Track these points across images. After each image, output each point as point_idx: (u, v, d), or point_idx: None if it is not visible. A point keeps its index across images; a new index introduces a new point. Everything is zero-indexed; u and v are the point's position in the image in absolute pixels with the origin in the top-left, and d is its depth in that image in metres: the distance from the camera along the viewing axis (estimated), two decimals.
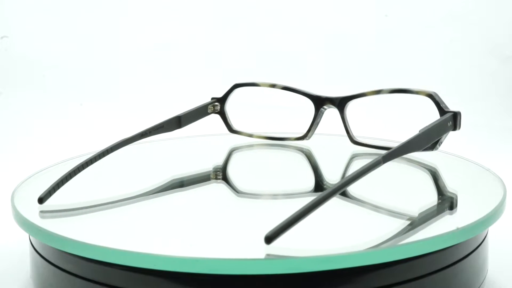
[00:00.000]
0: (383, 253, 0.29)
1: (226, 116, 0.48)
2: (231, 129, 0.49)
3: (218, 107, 0.48)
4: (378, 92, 0.42)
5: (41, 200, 0.36)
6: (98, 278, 0.31)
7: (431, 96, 0.39)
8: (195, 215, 0.35)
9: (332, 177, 0.41)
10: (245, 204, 0.38)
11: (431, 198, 0.38)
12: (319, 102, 0.44)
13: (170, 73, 0.86)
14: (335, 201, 0.38)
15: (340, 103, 0.43)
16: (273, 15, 0.89)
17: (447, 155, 0.43)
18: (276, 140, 0.48)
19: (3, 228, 0.46)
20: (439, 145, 0.39)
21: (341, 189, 0.31)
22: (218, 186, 0.41)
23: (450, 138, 0.40)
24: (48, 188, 0.36)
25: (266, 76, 0.82)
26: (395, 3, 0.88)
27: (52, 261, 0.33)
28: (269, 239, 0.29)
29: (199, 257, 0.29)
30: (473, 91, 0.82)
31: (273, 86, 0.47)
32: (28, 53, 0.87)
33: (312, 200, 0.30)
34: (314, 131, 0.46)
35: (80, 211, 0.36)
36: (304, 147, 0.47)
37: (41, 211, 0.35)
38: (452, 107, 0.39)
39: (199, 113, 0.47)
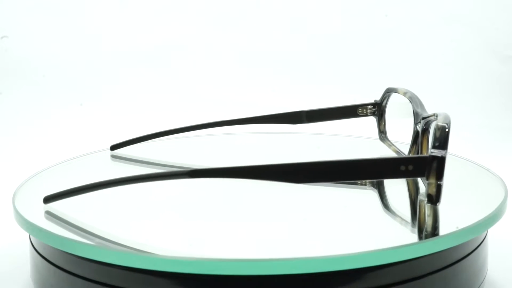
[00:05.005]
0: (383, 254, 0.29)
1: (381, 120, 0.46)
2: (380, 135, 0.46)
3: (372, 110, 0.46)
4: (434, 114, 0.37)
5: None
6: (98, 278, 0.31)
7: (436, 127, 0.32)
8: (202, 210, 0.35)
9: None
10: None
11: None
12: (416, 118, 0.38)
13: (170, 73, 0.86)
14: (336, 203, 0.38)
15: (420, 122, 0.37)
16: (272, 15, 0.89)
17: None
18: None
19: (3, 228, 0.46)
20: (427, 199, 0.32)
21: (125, 182, 0.34)
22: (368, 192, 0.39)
23: (451, 138, 0.35)
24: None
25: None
26: (395, 3, 0.88)
27: (52, 261, 0.33)
28: (46, 199, 0.35)
29: (198, 257, 0.29)
30: (473, 91, 0.82)
31: (405, 94, 0.42)
32: (28, 53, 0.87)
33: (104, 180, 0.33)
34: (418, 151, 0.37)
35: (80, 210, 0.36)
36: None
37: (46, 212, 0.35)
38: (451, 107, 0.36)
39: (341, 112, 0.46)
